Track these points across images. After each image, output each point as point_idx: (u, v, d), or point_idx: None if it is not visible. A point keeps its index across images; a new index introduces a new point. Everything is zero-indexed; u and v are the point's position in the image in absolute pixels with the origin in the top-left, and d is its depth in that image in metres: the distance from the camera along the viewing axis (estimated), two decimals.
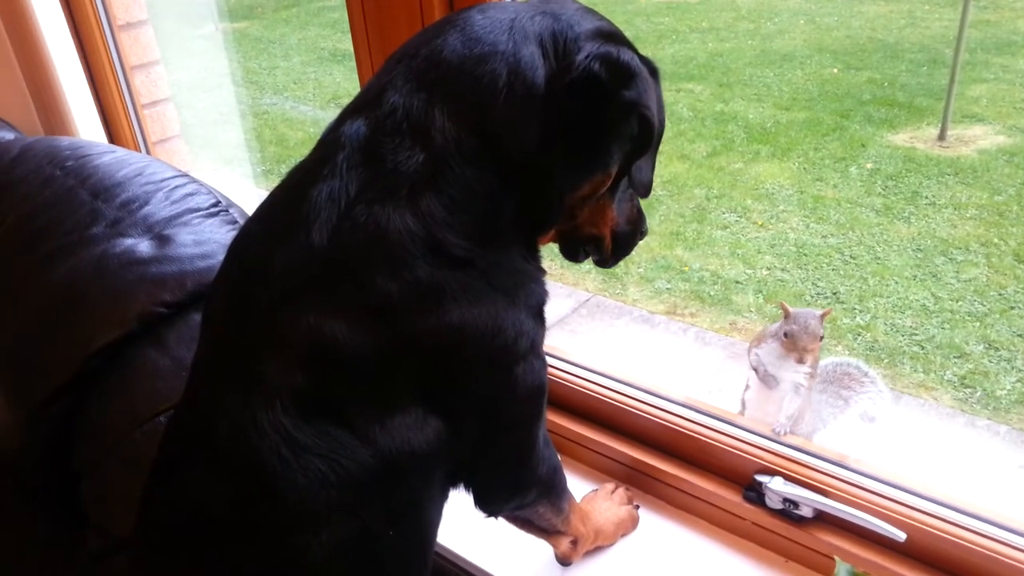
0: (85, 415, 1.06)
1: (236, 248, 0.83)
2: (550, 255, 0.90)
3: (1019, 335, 2.70)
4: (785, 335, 1.27)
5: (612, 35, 0.79)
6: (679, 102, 4.69)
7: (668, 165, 4.03)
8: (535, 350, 0.82)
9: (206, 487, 0.76)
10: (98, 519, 1.04)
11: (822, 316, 1.27)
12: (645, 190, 0.85)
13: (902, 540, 1.00)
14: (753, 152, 4.13)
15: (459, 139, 0.73)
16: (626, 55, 0.76)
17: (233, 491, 0.75)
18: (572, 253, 0.91)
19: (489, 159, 0.74)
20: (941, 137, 3.92)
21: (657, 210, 3.70)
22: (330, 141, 0.77)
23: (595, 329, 3.08)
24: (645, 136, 0.79)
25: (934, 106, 4.20)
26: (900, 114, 4.23)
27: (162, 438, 0.86)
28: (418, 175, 0.72)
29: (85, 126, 1.85)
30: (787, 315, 1.28)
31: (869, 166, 3.85)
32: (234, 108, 5.24)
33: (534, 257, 0.84)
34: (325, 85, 5.96)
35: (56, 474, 1.09)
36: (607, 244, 0.90)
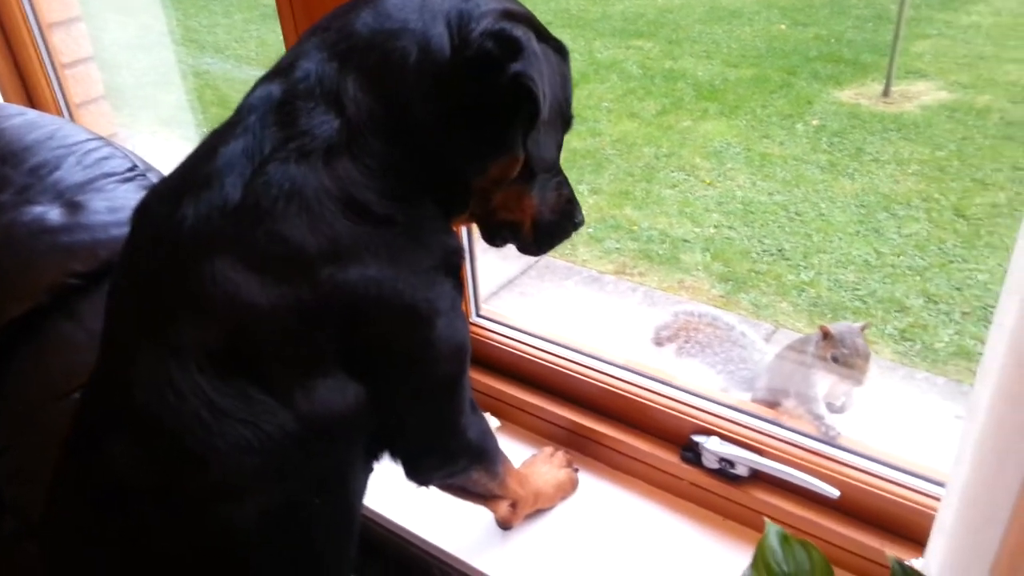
0: None
1: (142, 209, 0.80)
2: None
3: (957, 288, 2.75)
4: (834, 359, 1.21)
5: (515, 14, 0.77)
6: (628, 59, 4.63)
7: (618, 124, 3.99)
8: (455, 307, 0.81)
9: (127, 456, 0.73)
10: (13, 500, 1.00)
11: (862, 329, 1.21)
12: (544, 166, 0.82)
13: (836, 497, 1.01)
14: (702, 110, 4.11)
15: (371, 110, 0.73)
16: (519, 31, 0.75)
17: (154, 458, 0.72)
18: (490, 237, 0.91)
19: (399, 133, 0.74)
20: (885, 93, 3.94)
21: (607, 169, 3.68)
22: (243, 106, 0.77)
23: (545, 290, 3.06)
24: (531, 106, 0.76)
25: (879, 62, 4.21)
26: (846, 70, 4.24)
27: (75, 413, 0.83)
28: (333, 140, 0.72)
29: None
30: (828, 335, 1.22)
31: (815, 123, 3.86)
32: (173, 68, 5.07)
33: (449, 229, 0.83)
34: (269, 44, 5.76)
35: None
36: (526, 231, 0.89)
